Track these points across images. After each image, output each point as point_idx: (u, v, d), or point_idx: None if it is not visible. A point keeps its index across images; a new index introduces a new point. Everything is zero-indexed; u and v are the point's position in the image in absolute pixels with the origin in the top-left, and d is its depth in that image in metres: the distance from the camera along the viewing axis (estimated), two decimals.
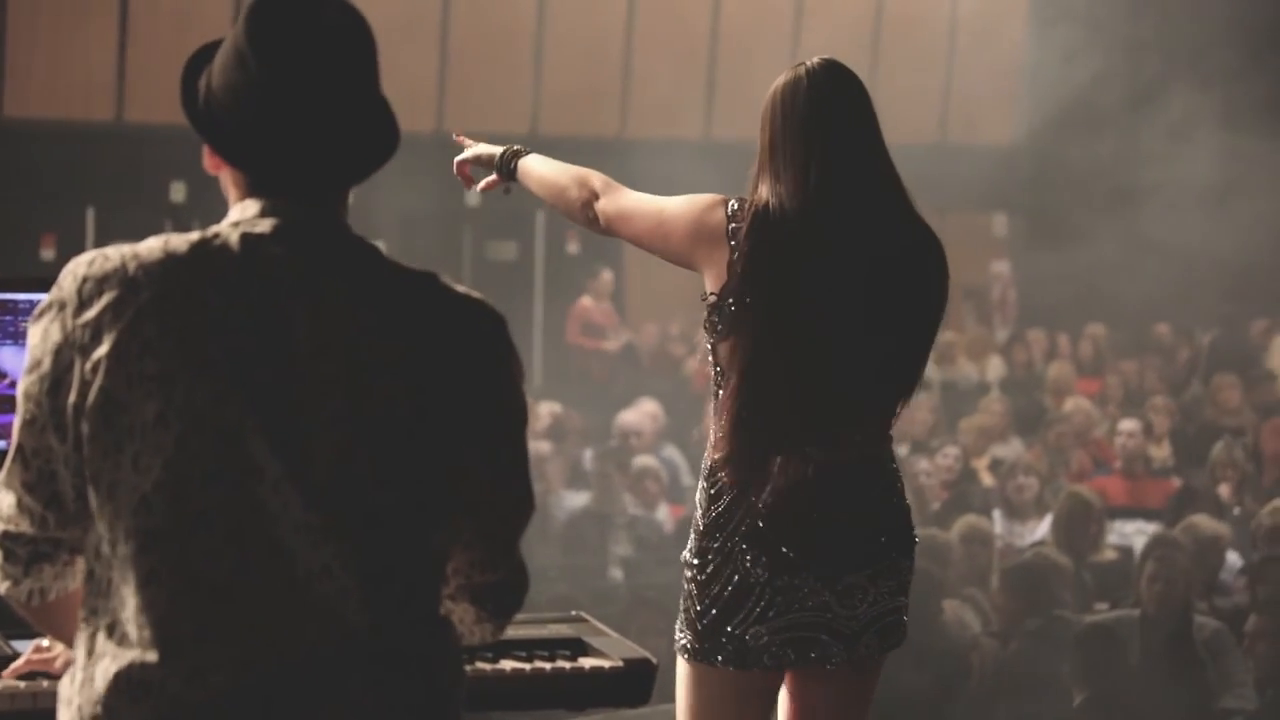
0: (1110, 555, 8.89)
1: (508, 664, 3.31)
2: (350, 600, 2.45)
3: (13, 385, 3.43)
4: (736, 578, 3.75)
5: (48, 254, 13.81)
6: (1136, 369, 13.91)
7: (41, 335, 2.49)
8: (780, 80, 3.88)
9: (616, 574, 9.37)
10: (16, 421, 2.52)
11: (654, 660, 3.39)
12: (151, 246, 2.49)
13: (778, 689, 3.87)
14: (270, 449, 2.42)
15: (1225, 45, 14.71)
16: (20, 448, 2.51)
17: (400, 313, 2.51)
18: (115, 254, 2.49)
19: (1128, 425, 10.76)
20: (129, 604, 2.43)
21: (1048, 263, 15.72)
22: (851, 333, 3.75)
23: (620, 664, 3.34)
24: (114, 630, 2.45)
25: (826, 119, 3.81)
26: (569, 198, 4.03)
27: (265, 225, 2.51)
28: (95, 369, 2.43)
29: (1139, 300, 14.48)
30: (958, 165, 16.62)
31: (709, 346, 3.81)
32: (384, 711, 2.47)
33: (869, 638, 3.83)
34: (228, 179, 2.59)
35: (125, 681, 2.42)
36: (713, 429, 3.79)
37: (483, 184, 4.27)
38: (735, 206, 3.81)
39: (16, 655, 3.13)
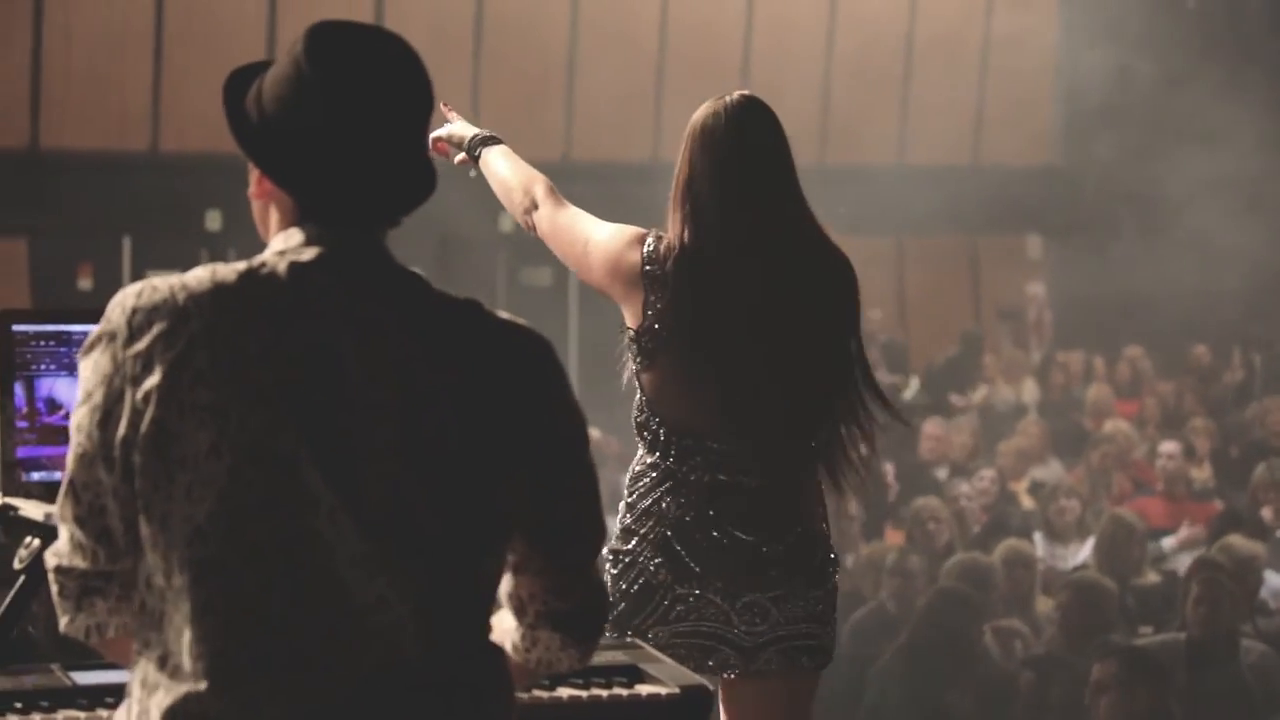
0: (1153, 578, 8.85)
1: (565, 691, 3.29)
2: (405, 630, 2.44)
3: (67, 417, 3.44)
4: (642, 579, 4.01)
5: (85, 284, 13.86)
6: (1174, 390, 13.86)
7: (92, 367, 2.48)
8: (699, 114, 4.06)
9: None
10: (69, 455, 2.51)
11: (710, 687, 3.37)
12: (200, 277, 2.48)
13: None
14: (324, 479, 2.42)
15: (1263, 65, 14.68)
16: (72, 482, 2.51)
17: (447, 341, 2.51)
18: (164, 285, 2.48)
19: (1168, 447, 10.71)
20: (183, 635, 2.42)
21: (1083, 284, 15.69)
22: (772, 364, 3.97)
23: (677, 691, 3.32)
24: (166, 662, 2.44)
25: (743, 156, 4.00)
26: (513, 200, 4.26)
27: (311, 254, 2.50)
28: (146, 399, 2.42)
29: (1176, 321, 14.43)
30: (991, 187, 16.60)
31: (633, 369, 4.05)
32: None
33: (769, 654, 4.01)
34: (269, 207, 2.58)
35: (180, 714, 2.41)
36: (639, 443, 4.06)
37: (457, 159, 4.43)
38: (652, 246, 4.00)
39: (76, 687, 3.13)
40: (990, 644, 7.77)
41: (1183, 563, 8.73)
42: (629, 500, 4.07)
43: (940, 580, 7.97)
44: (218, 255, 12.71)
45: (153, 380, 2.43)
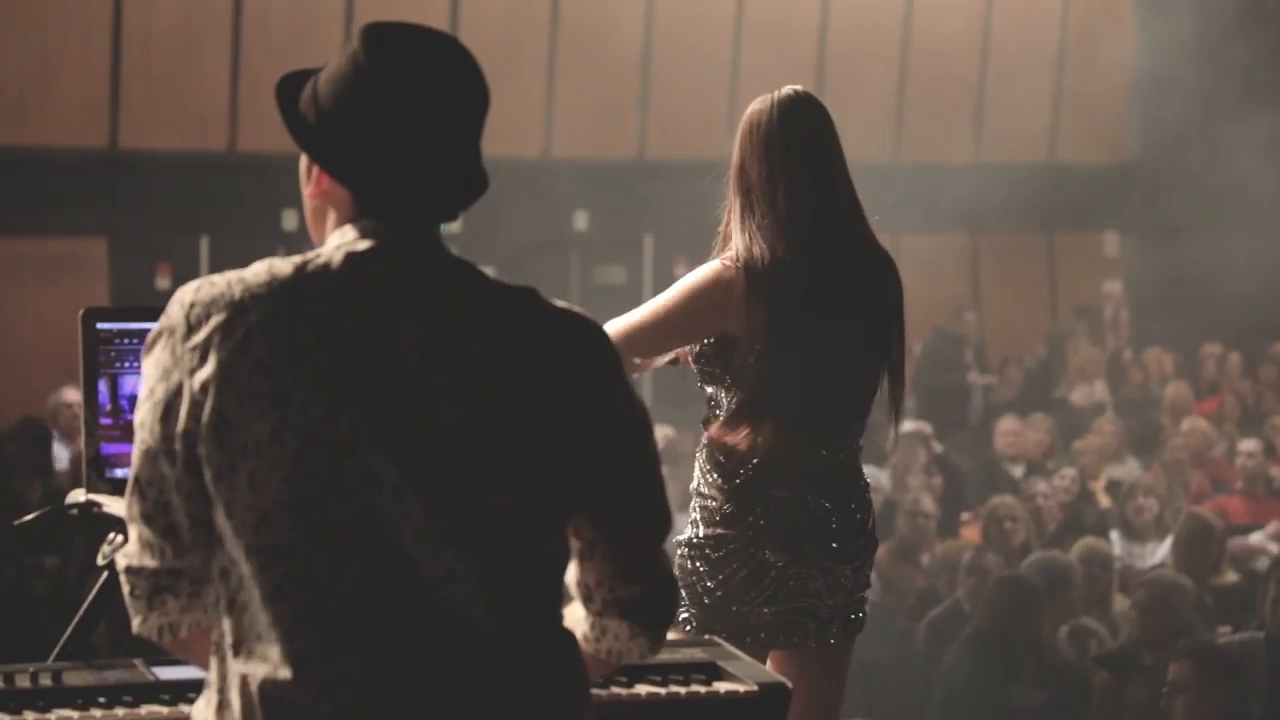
0: (1232, 577, 8.78)
1: (643, 688, 3.30)
2: (476, 604, 2.46)
3: None
4: (753, 561, 4.13)
5: (163, 283, 13.95)
6: (1253, 388, 13.75)
7: (153, 363, 2.52)
8: (751, 109, 4.20)
9: None
10: (134, 452, 2.54)
11: (788, 684, 3.37)
12: (256, 270, 2.52)
13: None
14: (386, 459, 2.44)
15: None
16: (137, 479, 2.53)
17: (503, 324, 2.53)
18: (221, 279, 2.52)
19: (1248, 445, 10.65)
20: (256, 622, 2.45)
21: (1161, 282, 15.58)
22: (848, 352, 4.18)
23: (755, 688, 3.32)
24: (241, 649, 2.47)
25: (809, 156, 4.15)
26: None
27: (366, 244, 2.53)
28: (205, 391, 2.45)
29: (1254, 319, 14.32)
30: (1068, 184, 16.52)
31: (712, 372, 4.17)
32: None
33: (837, 625, 4.20)
34: (326, 208, 2.60)
35: (258, 701, 2.44)
36: (728, 435, 4.14)
37: None
38: (731, 268, 4.12)
39: (159, 682, 3.15)
40: (1066, 641, 7.74)
41: (1262, 562, 8.67)
42: (724, 487, 4.15)
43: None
44: (294, 254, 12.76)
45: (211, 371, 2.45)
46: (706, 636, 3.84)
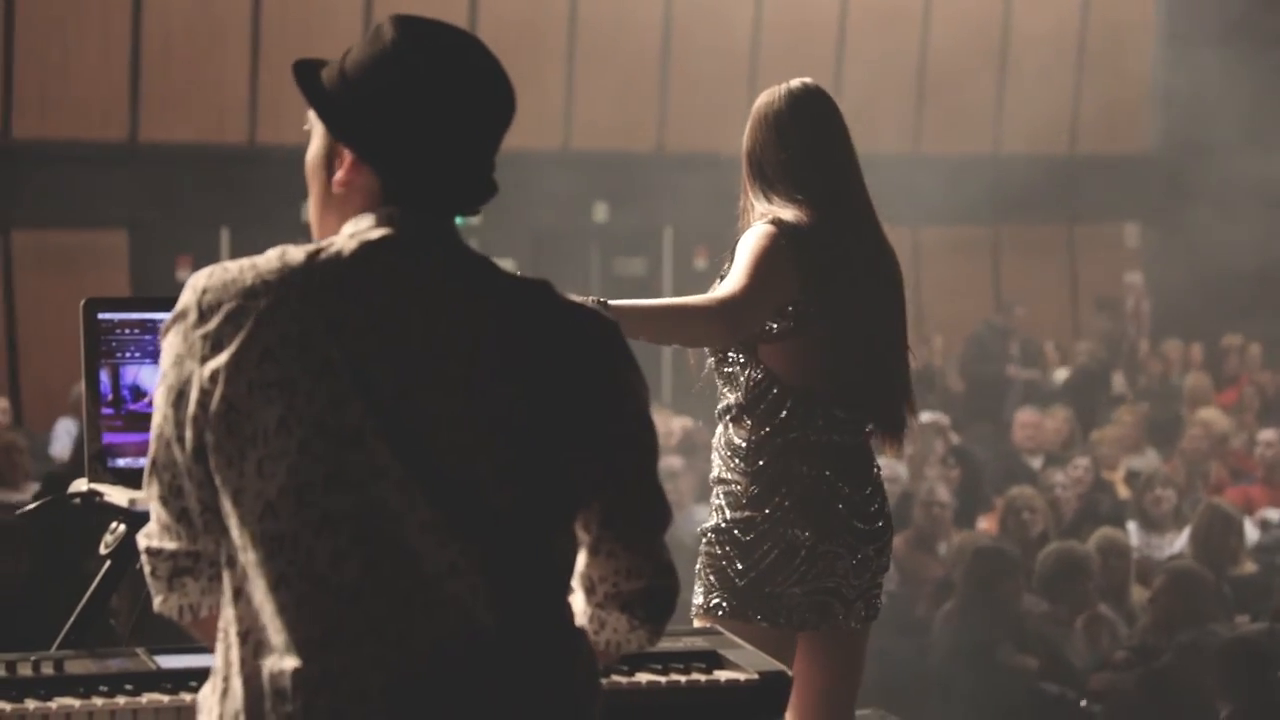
0: (1250, 568, 8.76)
1: (643, 677, 3.30)
2: (479, 598, 2.46)
3: (151, 404, 3.48)
4: (783, 542, 4.14)
5: (184, 276, 13.94)
6: (1273, 379, 13.72)
7: (168, 349, 2.53)
8: (760, 100, 4.29)
9: None
10: (151, 436, 2.56)
11: (789, 673, 3.37)
12: (269, 257, 2.53)
13: (793, 649, 4.19)
14: (391, 449, 2.44)
15: None
16: (153, 462, 2.55)
17: (515, 317, 2.54)
18: (234, 266, 2.53)
19: (1268, 435, 10.62)
20: (261, 610, 2.46)
21: (1181, 273, 15.54)
22: (881, 320, 4.22)
23: (756, 677, 3.32)
24: (248, 637, 2.48)
25: (820, 137, 4.22)
26: (689, 315, 4.12)
27: (379, 234, 2.53)
28: (215, 378, 2.46)
29: (1275, 310, 14.28)
30: (1088, 176, 16.49)
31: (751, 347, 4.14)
32: (518, 717, 2.49)
33: (859, 606, 4.22)
34: (347, 196, 2.60)
35: (262, 689, 2.45)
36: (746, 419, 4.15)
37: None
38: (781, 232, 4.12)
39: (161, 671, 3.16)
40: (1083, 631, 7.73)
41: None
42: (747, 470, 4.17)
43: (1036, 568, 7.93)
44: None
45: (221, 358, 2.46)
46: (708, 625, 3.85)
